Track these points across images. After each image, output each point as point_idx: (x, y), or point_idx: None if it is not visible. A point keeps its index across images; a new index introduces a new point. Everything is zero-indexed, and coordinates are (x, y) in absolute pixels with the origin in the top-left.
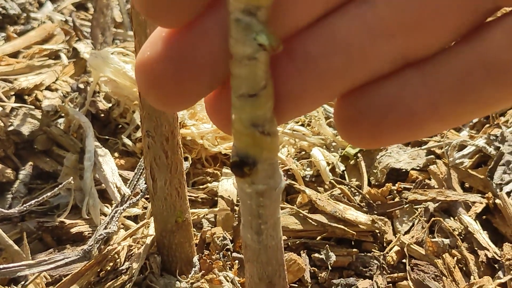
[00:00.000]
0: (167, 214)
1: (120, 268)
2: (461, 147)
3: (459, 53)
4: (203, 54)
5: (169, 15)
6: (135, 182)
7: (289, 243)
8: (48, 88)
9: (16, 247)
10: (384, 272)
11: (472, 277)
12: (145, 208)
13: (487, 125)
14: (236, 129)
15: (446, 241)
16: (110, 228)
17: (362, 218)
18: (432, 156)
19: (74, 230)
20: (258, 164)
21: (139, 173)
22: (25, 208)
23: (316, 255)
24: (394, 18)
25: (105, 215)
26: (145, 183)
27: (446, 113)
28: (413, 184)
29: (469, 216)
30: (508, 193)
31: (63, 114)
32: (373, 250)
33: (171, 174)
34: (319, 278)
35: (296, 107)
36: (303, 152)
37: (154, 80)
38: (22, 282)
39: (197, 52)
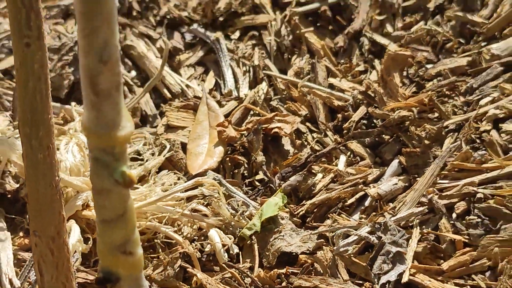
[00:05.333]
0: None
1: None
2: (347, 233)
3: None
4: None
5: None
6: (26, 274)
7: None
8: None
9: None
10: None
11: None
12: None
13: (374, 213)
14: (100, 250)
15: None
16: None
17: None
18: (322, 240)
19: None
20: (121, 280)
21: (30, 266)
22: None
23: None
24: None
25: None
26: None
27: None
28: (301, 268)
29: None
30: (383, 284)
31: None
32: None
33: (57, 270)
34: None
35: None
36: (204, 230)
37: None
38: None
39: None
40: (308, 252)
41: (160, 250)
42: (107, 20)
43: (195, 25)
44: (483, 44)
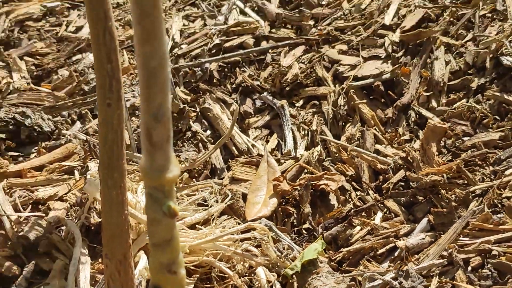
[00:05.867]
0: None
1: None
2: (374, 277)
3: None
4: None
5: None
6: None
7: None
8: (60, 198)
9: None
10: None
11: None
12: None
13: (399, 261)
14: (151, 268)
15: None
16: None
17: None
18: (353, 282)
19: None
20: None
21: (102, 284)
22: None
23: None
24: None
25: None
26: None
27: None
28: None
29: None
30: None
31: None
32: None
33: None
34: None
35: None
36: (253, 268)
37: None
38: None
39: None
40: None
41: (215, 282)
42: (162, 89)
43: (265, 93)
44: None
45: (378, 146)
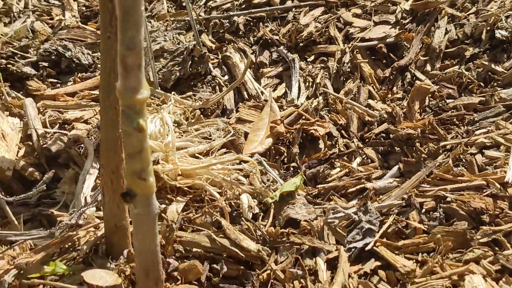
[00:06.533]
0: (111, 220)
1: (76, 248)
2: (337, 210)
3: None
4: None
5: None
6: (97, 195)
7: (199, 254)
8: (85, 121)
9: (16, 222)
10: (256, 283)
11: None
12: None
13: (364, 200)
14: (125, 175)
15: (300, 272)
16: (71, 221)
17: (252, 246)
18: (322, 214)
19: (59, 219)
20: (137, 196)
21: (98, 191)
22: (20, 198)
23: (215, 265)
24: None
25: None
26: None
27: None
28: (299, 230)
29: (321, 259)
30: (350, 248)
31: None
32: (257, 270)
33: (114, 195)
34: (212, 281)
35: None
36: (237, 193)
37: None
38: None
39: None
40: (308, 220)
41: (205, 204)
42: (135, 24)
43: (281, 47)
44: (498, 89)
45: (370, 101)
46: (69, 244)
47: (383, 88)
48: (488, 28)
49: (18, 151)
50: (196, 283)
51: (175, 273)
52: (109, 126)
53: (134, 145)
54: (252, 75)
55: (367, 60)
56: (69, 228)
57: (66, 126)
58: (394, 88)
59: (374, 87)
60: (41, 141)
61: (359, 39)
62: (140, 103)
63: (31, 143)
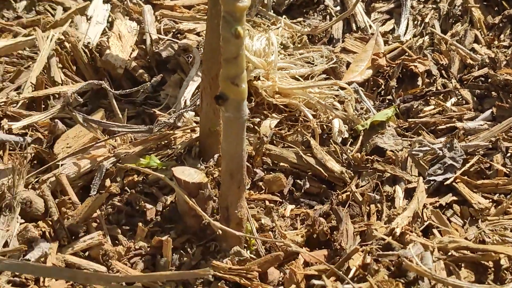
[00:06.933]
0: (206, 124)
1: (172, 146)
2: (424, 144)
3: None
4: None
5: None
6: (196, 100)
7: (285, 169)
8: (197, 34)
9: (120, 116)
10: (334, 202)
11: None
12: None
13: (452, 138)
14: (220, 80)
15: (377, 197)
16: (169, 120)
17: (336, 168)
18: (409, 147)
19: (160, 118)
20: (229, 100)
21: (197, 96)
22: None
23: (298, 181)
24: None
25: None
26: None
27: None
28: (384, 159)
29: (400, 188)
30: (429, 181)
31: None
32: (337, 190)
33: (211, 100)
34: (294, 195)
35: None
36: (330, 117)
37: None
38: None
39: None
40: (394, 151)
41: (299, 123)
42: None
43: None
44: None
45: (475, 45)
46: (166, 142)
47: (490, 34)
48: None
49: (131, 53)
50: (279, 194)
51: (260, 183)
52: (213, 34)
53: (231, 51)
54: (364, 8)
55: (478, 5)
56: (168, 127)
57: (179, 35)
58: (502, 36)
59: (482, 32)
60: (153, 46)
61: None
62: (240, 10)
63: (144, 47)
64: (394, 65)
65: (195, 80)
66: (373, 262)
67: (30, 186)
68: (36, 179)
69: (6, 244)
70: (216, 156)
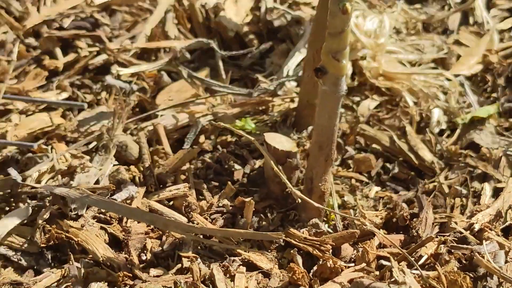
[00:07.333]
0: (304, 95)
1: (269, 113)
2: None
3: None
4: None
5: None
6: (299, 71)
7: (376, 151)
8: (312, 7)
9: (224, 76)
10: (420, 190)
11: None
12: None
13: None
14: (322, 53)
15: (464, 192)
16: (269, 87)
17: (427, 157)
18: (505, 146)
19: (261, 84)
20: (328, 74)
21: (301, 67)
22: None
23: (387, 164)
24: None
25: None
26: None
27: None
28: (477, 155)
29: (489, 186)
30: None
31: None
32: (425, 179)
33: (312, 72)
34: (380, 178)
35: None
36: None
37: None
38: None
39: None
40: (489, 148)
41: (398, 108)
42: None
43: None
44: None
45: None
46: (263, 107)
47: None
48: None
49: (244, 18)
50: (366, 175)
51: (350, 161)
52: (323, 8)
53: (336, 26)
54: (484, 3)
55: None
56: (267, 93)
57: (293, 7)
58: None
59: None
60: (267, 14)
61: None
62: None
63: (258, 14)
64: (505, 64)
65: (301, 52)
66: (445, 252)
67: (128, 132)
68: (135, 126)
69: (97, 182)
70: (310, 128)
